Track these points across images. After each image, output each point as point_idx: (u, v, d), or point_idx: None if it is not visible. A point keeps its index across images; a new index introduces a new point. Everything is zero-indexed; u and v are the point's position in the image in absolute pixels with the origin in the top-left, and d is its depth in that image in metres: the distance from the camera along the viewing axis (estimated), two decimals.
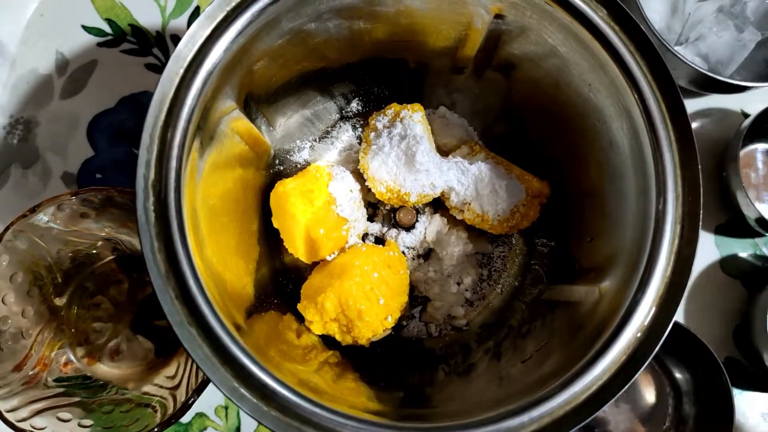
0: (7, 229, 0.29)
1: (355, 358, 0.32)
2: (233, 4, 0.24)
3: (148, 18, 0.41)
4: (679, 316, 0.39)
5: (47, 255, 0.32)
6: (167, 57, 0.40)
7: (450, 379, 0.31)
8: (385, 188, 0.32)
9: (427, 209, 0.36)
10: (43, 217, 0.30)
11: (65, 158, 0.39)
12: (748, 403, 0.38)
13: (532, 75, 0.31)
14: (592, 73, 0.27)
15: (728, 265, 0.40)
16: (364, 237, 0.36)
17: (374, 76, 0.36)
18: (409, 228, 0.36)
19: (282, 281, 0.35)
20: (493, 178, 0.33)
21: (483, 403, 0.24)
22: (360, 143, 0.36)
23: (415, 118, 0.32)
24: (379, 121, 0.33)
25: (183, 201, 0.23)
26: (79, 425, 0.29)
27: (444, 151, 0.36)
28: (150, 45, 0.41)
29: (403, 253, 0.35)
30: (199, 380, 0.28)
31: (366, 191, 0.34)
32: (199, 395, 0.28)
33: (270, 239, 0.34)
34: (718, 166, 0.39)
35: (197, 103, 0.24)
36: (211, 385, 0.22)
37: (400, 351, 0.35)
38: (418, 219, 0.36)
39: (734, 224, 0.40)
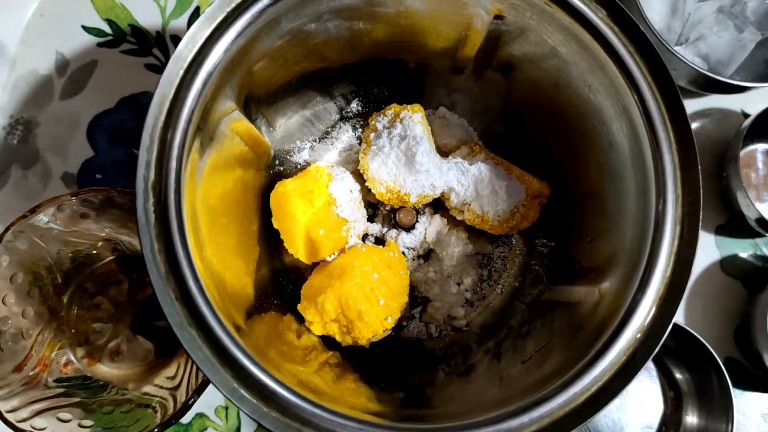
0: (7, 229, 0.29)
1: (356, 358, 0.32)
2: (233, 4, 0.25)
3: (148, 18, 0.41)
4: (679, 317, 0.39)
5: (47, 255, 0.32)
6: (167, 57, 0.40)
7: (450, 380, 0.31)
8: (385, 189, 0.32)
9: (427, 210, 0.36)
10: (43, 218, 0.30)
11: (65, 159, 0.39)
12: (748, 404, 0.38)
13: (532, 75, 0.31)
14: (592, 74, 0.27)
15: (728, 265, 0.40)
16: (364, 237, 0.36)
17: (374, 77, 0.36)
18: (409, 228, 0.36)
19: (282, 282, 0.35)
20: (493, 179, 0.33)
21: (483, 404, 0.24)
22: (360, 144, 0.36)
23: (415, 118, 0.32)
24: (379, 121, 0.33)
25: (183, 202, 0.23)
26: (80, 426, 0.29)
27: (444, 152, 0.36)
28: (150, 45, 0.41)
29: (403, 253, 0.35)
30: (199, 381, 0.28)
31: (366, 192, 0.34)
32: (199, 396, 0.28)
33: (270, 240, 0.34)
34: (719, 166, 0.39)
35: (197, 103, 0.24)
36: (211, 385, 0.22)
37: (401, 351, 0.35)
38: (418, 219, 0.36)
39: (734, 224, 0.40)
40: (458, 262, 0.35)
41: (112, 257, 0.36)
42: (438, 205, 0.36)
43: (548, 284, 0.33)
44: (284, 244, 0.32)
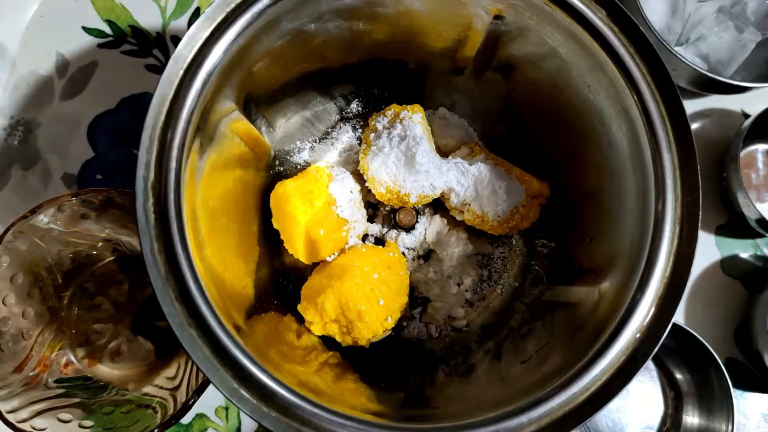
0: (7, 230, 0.29)
1: (356, 359, 0.32)
2: (233, 5, 0.25)
3: (149, 19, 0.41)
4: (679, 317, 0.39)
5: (48, 256, 0.32)
6: (167, 58, 0.40)
7: (450, 380, 0.31)
8: (385, 189, 0.33)
9: (427, 210, 0.36)
10: (43, 218, 0.30)
11: (66, 159, 0.39)
12: (748, 404, 0.38)
13: (532, 76, 0.31)
14: (592, 74, 0.27)
15: (729, 265, 0.39)
16: (364, 238, 0.36)
17: (374, 77, 0.36)
18: (409, 229, 0.36)
19: (282, 282, 0.35)
20: (492, 179, 0.33)
21: (483, 404, 0.24)
22: (360, 144, 0.36)
23: (414, 119, 0.32)
24: (379, 122, 0.33)
25: (183, 202, 0.23)
26: (80, 426, 0.29)
27: (444, 152, 0.36)
28: (150, 46, 0.41)
29: (403, 253, 0.35)
30: (200, 381, 0.28)
31: (366, 192, 0.35)
32: (199, 396, 0.28)
33: (270, 240, 0.34)
34: (719, 166, 0.39)
35: (197, 104, 0.24)
36: (211, 386, 0.22)
37: (401, 352, 0.35)
38: (418, 220, 0.36)
39: (735, 225, 0.40)
40: (458, 263, 0.35)
41: (112, 258, 0.36)
42: (438, 206, 0.36)
43: (548, 284, 0.33)
44: (284, 245, 0.32)
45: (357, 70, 0.34)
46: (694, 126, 0.41)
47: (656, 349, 0.23)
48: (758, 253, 0.40)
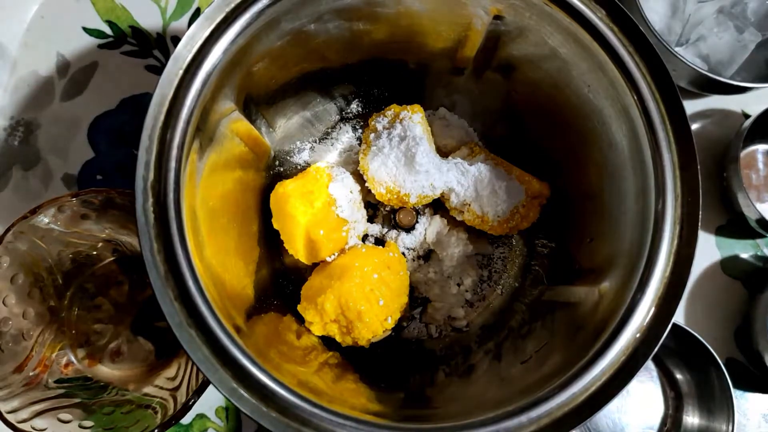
0: (8, 230, 0.29)
1: (356, 359, 0.32)
2: (232, 5, 0.25)
3: (149, 20, 0.41)
4: (680, 317, 0.39)
5: (48, 256, 0.32)
6: (168, 59, 0.40)
7: (450, 380, 0.31)
8: (384, 189, 0.33)
9: (427, 210, 0.36)
10: (43, 219, 0.30)
11: (66, 160, 0.39)
12: (749, 404, 0.38)
13: (532, 76, 0.31)
14: (592, 74, 0.27)
15: (729, 265, 0.39)
16: (364, 238, 0.36)
17: (374, 78, 0.36)
18: (409, 229, 0.36)
19: (282, 282, 0.35)
20: (492, 179, 0.33)
21: (483, 404, 0.24)
22: (360, 144, 0.36)
23: (414, 119, 0.32)
24: (379, 122, 0.33)
25: (182, 202, 0.23)
26: (80, 426, 0.29)
27: (444, 153, 0.36)
28: (150, 47, 0.41)
29: (403, 254, 0.35)
30: (200, 381, 0.28)
31: (366, 192, 0.35)
32: (199, 396, 0.28)
33: (270, 240, 0.34)
34: (719, 166, 0.39)
35: (196, 104, 0.24)
36: (211, 386, 0.22)
37: (401, 352, 0.35)
38: (418, 220, 0.36)
39: (735, 225, 0.40)
40: (458, 263, 0.35)
41: (112, 258, 0.36)
42: (438, 206, 0.36)
43: (548, 285, 0.33)
44: (284, 245, 0.32)
45: (357, 71, 0.34)
46: (694, 126, 0.41)
47: (656, 350, 0.23)
48: (758, 253, 0.40)
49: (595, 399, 0.22)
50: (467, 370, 0.32)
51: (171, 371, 0.34)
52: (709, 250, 0.39)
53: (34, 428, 0.28)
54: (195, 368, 0.31)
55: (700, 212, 0.24)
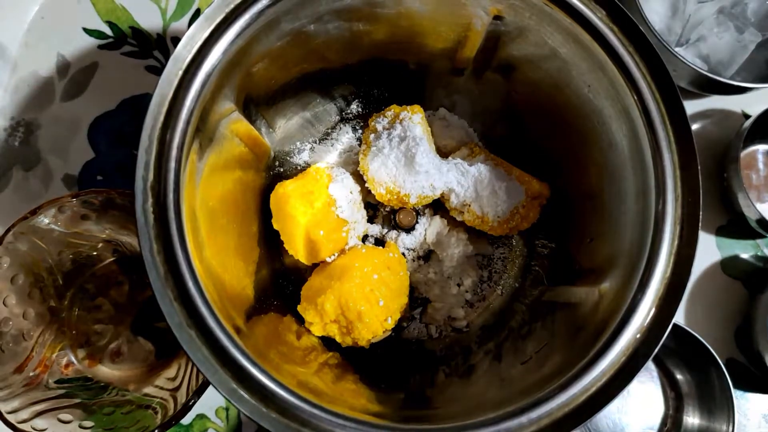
0: (8, 231, 0.29)
1: (356, 359, 0.32)
2: (232, 5, 0.25)
3: (149, 20, 0.41)
4: (680, 318, 0.39)
5: (48, 257, 0.32)
6: (168, 59, 0.40)
7: (450, 381, 0.31)
8: (384, 190, 0.33)
9: (427, 211, 0.36)
10: (44, 219, 0.30)
11: (66, 160, 0.39)
12: (749, 405, 0.38)
13: (532, 76, 0.31)
14: (592, 75, 0.27)
15: (729, 266, 0.39)
16: (364, 238, 0.36)
17: (374, 78, 0.36)
18: (409, 229, 0.36)
19: (282, 283, 0.35)
20: (492, 180, 0.33)
21: (483, 405, 0.24)
22: (360, 145, 0.36)
23: (414, 119, 0.32)
24: (379, 122, 0.33)
25: (182, 203, 0.23)
26: (80, 427, 0.29)
27: (444, 153, 0.36)
28: (151, 47, 0.41)
29: (403, 254, 0.35)
30: (200, 382, 0.28)
31: (366, 193, 0.35)
32: (199, 397, 0.28)
33: (270, 241, 0.34)
34: (719, 167, 0.39)
35: (196, 104, 0.24)
36: (211, 386, 0.22)
37: (401, 352, 0.35)
38: (418, 220, 0.36)
39: (735, 225, 0.40)
40: (458, 263, 0.35)
41: (112, 258, 0.36)
42: (438, 206, 0.36)
43: (548, 285, 0.33)
44: (284, 245, 0.32)
45: (357, 71, 0.34)
46: (694, 126, 0.41)
47: (657, 350, 0.23)
48: (759, 253, 0.40)
49: (596, 400, 0.22)
50: (467, 371, 0.32)
51: (171, 371, 0.34)
52: (709, 250, 0.39)
53: (34, 428, 0.28)
54: (195, 368, 0.31)
55: (701, 212, 0.24)
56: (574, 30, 0.26)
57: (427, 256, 0.36)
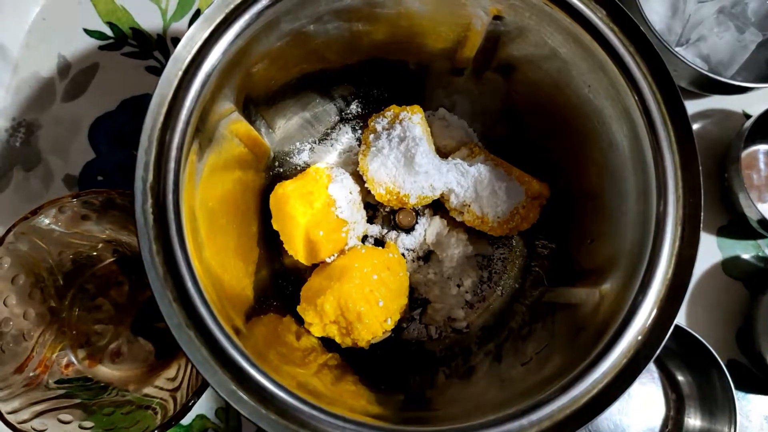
0: (8, 231, 0.29)
1: (355, 360, 0.32)
2: (232, 6, 0.25)
3: (150, 21, 0.41)
4: (681, 319, 0.38)
5: (49, 257, 0.32)
6: (168, 60, 0.40)
7: (451, 382, 0.31)
8: (384, 190, 0.32)
9: (426, 211, 0.36)
10: (44, 220, 0.30)
11: (67, 161, 0.39)
12: (751, 406, 0.38)
13: (532, 76, 0.31)
14: (592, 75, 0.27)
15: (730, 266, 0.39)
16: (364, 239, 0.36)
17: (374, 78, 0.36)
18: (408, 230, 0.36)
19: (281, 283, 0.35)
20: (492, 180, 0.33)
21: (484, 406, 0.24)
22: (359, 145, 0.36)
23: (414, 119, 0.32)
24: (379, 123, 0.33)
25: (181, 203, 0.23)
26: (80, 427, 0.29)
27: (444, 153, 0.36)
28: (151, 48, 0.41)
29: (403, 255, 0.35)
30: (200, 382, 0.28)
31: (365, 193, 0.34)
32: (199, 397, 0.28)
33: (269, 241, 0.34)
34: (720, 167, 0.39)
35: (196, 105, 0.24)
36: (211, 387, 0.22)
37: (401, 353, 0.35)
38: (418, 221, 0.36)
39: (736, 226, 0.40)
40: (458, 264, 0.35)
41: (112, 259, 0.36)
42: (438, 207, 0.36)
43: (548, 286, 0.33)
44: (284, 246, 0.32)
45: (357, 71, 0.34)
46: (694, 126, 0.41)
47: (658, 352, 0.23)
48: (760, 254, 0.40)
49: (597, 402, 0.22)
50: (467, 372, 0.31)
51: (171, 372, 0.34)
52: (710, 250, 0.39)
53: (34, 429, 0.28)
54: (195, 369, 0.30)
55: (702, 213, 0.24)
56: (574, 30, 0.26)
57: (426, 256, 0.36)
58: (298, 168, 0.37)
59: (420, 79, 0.36)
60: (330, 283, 0.30)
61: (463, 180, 0.33)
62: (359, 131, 0.37)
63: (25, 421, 0.28)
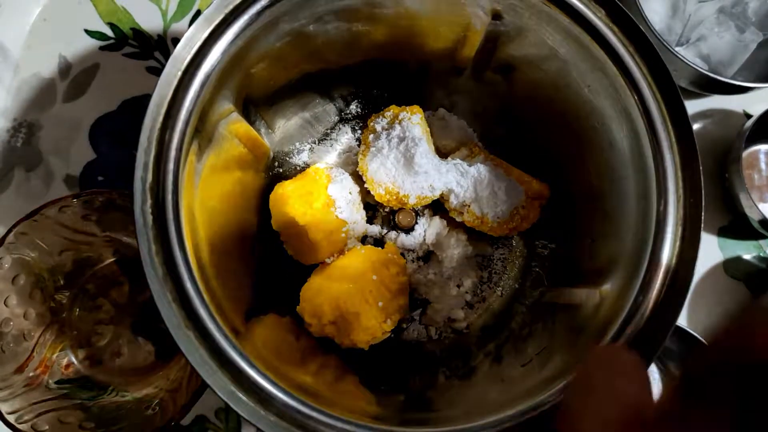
0: (9, 231, 0.29)
1: (355, 361, 0.32)
2: (231, 6, 0.25)
3: (150, 22, 0.41)
4: (682, 319, 0.38)
5: (49, 257, 0.32)
6: (169, 58, 0.41)
7: (451, 383, 0.31)
8: (384, 190, 0.32)
9: (426, 211, 0.36)
10: (45, 220, 0.30)
11: (68, 161, 0.39)
12: None
13: (531, 76, 0.31)
14: (591, 75, 0.27)
15: (731, 267, 0.39)
16: (364, 239, 0.36)
17: (373, 78, 0.36)
18: (408, 230, 0.36)
19: (281, 284, 0.35)
20: (492, 180, 0.33)
21: (484, 407, 0.24)
22: (359, 145, 0.36)
23: (414, 120, 0.32)
24: (378, 123, 0.33)
25: (181, 204, 0.23)
26: (80, 427, 0.29)
27: (443, 153, 0.36)
28: (152, 48, 0.41)
29: (403, 255, 0.35)
30: (200, 383, 0.28)
31: (365, 193, 0.34)
32: (199, 398, 0.28)
33: (269, 242, 0.34)
34: (721, 167, 0.39)
35: (195, 105, 0.24)
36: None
37: (400, 354, 0.34)
38: (418, 221, 0.36)
39: (737, 226, 0.40)
40: (458, 264, 0.35)
41: (113, 259, 0.36)
42: (437, 207, 0.36)
43: (549, 286, 0.33)
44: (284, 246, 0.32)
45: (356, 71, 0.34)
46: (695, 126, 0.41)
47: (659, 352, 0.23)
48: (761, 254, 0.39)
49: None
50: (468, 373, 0.31)
51: (171, 372, 0.34)
52: (711, 251, 0.39)
53: (34, 429, 0.28)
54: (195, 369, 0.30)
55: (703, 213, 0.24)
56: (573, 30, 0.26)
57: (426, 257, 0.36)
58: (298, 168, 0.37)
59: (420, 79, 0.35)
60: (329, 283, 0.30)
61: (463, 180, 0.33)
62: (359, 131, 0.37)
63: (25, 422, 0.28)
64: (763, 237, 0.40)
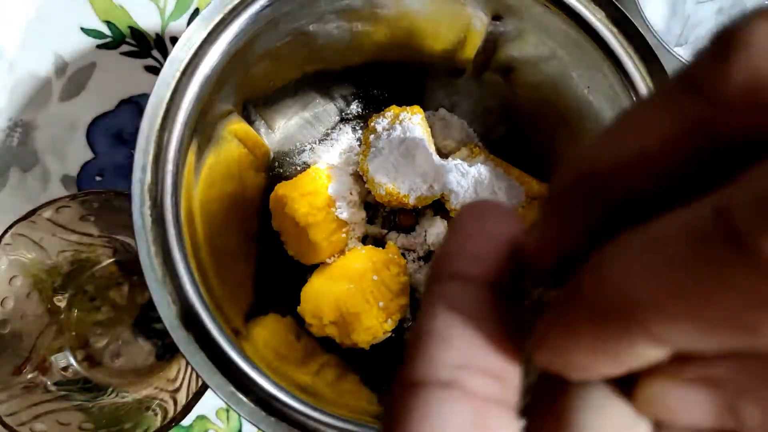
0: (6, 232, 0.29)
1: (356, 361, 0.32)
2: (230, 6, 0.24)
3: (148, 20, 0.41)
4: None
5: (47, 258, 0.32)
6: (167, 59, 0.40)
7: None
8: (384, 190, 0.32)
9: (427, 211, 0.36)
10: (42, 221, 0.30)
11: (64, 161, 0.39)
12: None
13: (531, 77, 0.31)
14: (591, 76, 0.27)
15: None
16: (364, 239, 0.36)
17: (374, 78, 0.35)
18: (409, 230, 0.36)
19: (281, 284, 0.35)
20: (492, 180, 0.33)
21: None
22: (360, 145, 0.36)
23: (414, 120, 0.32)
24: (379, 123, 0.33)
25: (180, 205, 0.23)
26: (79, 429, 0.29)
27: (444, 153, 0.36)
28: (149, 47, 0.40)
29: (403, 255, 0.35)
30: (200, 383, 0.28)
31: (366, 193, 0.34)
32: (200, 398, 0.28)
33: (269, 242, 0.34)
34: None
35: (193, 107, 0.24)
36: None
37: (401, 354, 0.34)
38: (419, 221, 0.36)
39: None
40: None
41: (112, 260, 0.36)
42: (438, 207, 0.36)
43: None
44: (284, 246, 0.32)
45: (357, 72, 0.34)
46: None
47: None
48: None
49: None
50: None
51: (171, 373, 0.34)
52: None
53: (33, 431, 0.28)
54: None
55: None
56: (572, 31, 0.26)
57: (427, 257, 0.36)
58: (298, 168, 0.36)
59: (420, 80, 0.35)
60: (330, 283, 0.30)
61: (463, 180, 0.33)
62: (359, 131, 0.37)
63: (23, 423, 0.28)
64: None
